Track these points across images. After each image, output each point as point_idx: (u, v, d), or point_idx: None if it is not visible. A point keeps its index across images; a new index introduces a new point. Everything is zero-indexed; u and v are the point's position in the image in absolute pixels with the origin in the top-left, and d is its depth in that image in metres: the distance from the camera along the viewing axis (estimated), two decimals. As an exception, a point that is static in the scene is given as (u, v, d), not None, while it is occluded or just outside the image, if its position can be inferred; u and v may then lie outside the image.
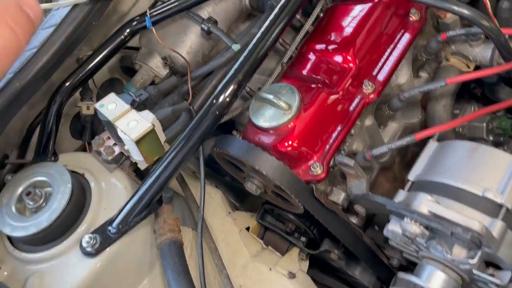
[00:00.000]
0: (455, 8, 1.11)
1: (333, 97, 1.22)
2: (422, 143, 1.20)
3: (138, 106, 1.13)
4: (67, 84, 1.23)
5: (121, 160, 1.15)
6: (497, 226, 0.97)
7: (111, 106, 1.07)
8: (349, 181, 1.18)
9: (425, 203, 1.00)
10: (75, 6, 1.14)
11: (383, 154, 1.18)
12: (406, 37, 1.27)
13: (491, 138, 1.43)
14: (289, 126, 1.16)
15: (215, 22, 1.26)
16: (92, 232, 1.03)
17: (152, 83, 1.34)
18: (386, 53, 1.26)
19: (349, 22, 1.30)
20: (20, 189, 1.06)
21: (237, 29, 1.45)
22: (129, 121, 1.03)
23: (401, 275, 1.09)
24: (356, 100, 1.22)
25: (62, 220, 1.02)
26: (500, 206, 1.00)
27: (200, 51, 1.33)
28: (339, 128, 1.20)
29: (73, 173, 1.11)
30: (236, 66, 1.07)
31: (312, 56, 1.30)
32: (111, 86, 1.56)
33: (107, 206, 1.09)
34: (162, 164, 1.05)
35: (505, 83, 1.37)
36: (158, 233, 1.09)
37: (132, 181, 1.16)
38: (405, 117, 1.42)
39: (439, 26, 1.36)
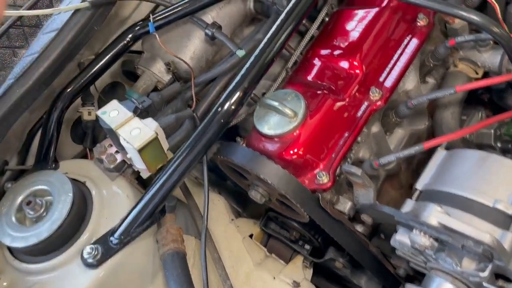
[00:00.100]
0: (464, 14, 1.08)
1: (339, 104, 1.20)
2: (429, 150, 1.18)
3: (141, 113, 1.11)
4: (68, 90, 1.20)
5: (123, 168, 1.13)
6: (508, 238, 0.95)
7: (113, 113, 1.05)
8: (356, 190, 1.16)
9: (435, 215, 0.97)
10: (76, 11, 1.11)
11: (390, 163, 1.16)
12: (414, 42, 1.25)
13: (499, 144, 1.41)
14: (295, 133, 1.14)
15: (220, 27, 1.24)
16: (94, 243, 1.01)
17: (155, 88, 1.32)
18: (394, 59, 1.24)
19: (355, 27, 1.28)
20: (20, 198, 1.04)
21: (241, 33, 1.42)
22: (131, 129, 1.01)
23: (409, 286, 1.07)
24: (363, 107, 1.20)
25: (63, 231, 1.01)
26: (511, 217, 0.98)
27: (204, 56, 1.30)
28: (345, 136, 1.17)
29: (74, 181, 1.09)
30: (242, 72, 1.05)
31: (317, 62, 1.28)
32: (112, 90, 1.53)
33: (109, 215, 1.07)
34: (165, 173, 1.03)
35: (513, 89, 1.36)
36: (160, 243, 1.07)
37: (135, 189, 1.14)
38: (411, 124, 1.39)
39: (447, 31, 1.33)
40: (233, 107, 1.03)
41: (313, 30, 1.33)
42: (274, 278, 1.34)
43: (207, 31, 1.24)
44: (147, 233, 1.07)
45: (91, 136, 1.36)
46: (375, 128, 1.27)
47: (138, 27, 1.23)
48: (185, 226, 1.27)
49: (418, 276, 1.24)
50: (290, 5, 1.09)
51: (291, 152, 1.14)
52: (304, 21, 1.33)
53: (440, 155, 1.15)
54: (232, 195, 1.58)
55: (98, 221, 1.05)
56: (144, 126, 1.02)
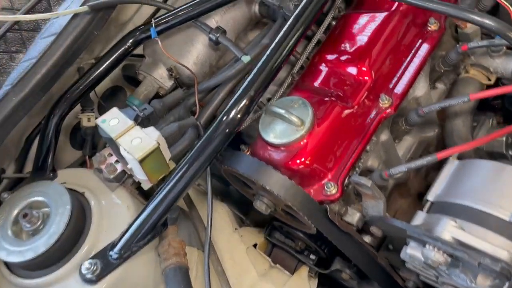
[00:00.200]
0: (478, 18, 1.04)
1: (347, 111, 1.16)
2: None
3: (142, 121, 1.07)
4: (67, 96, 1.16)
5: (124, 178, 1.09)
6: (526, 255, 0.90)
7: (113, 121, 1.01)
8: (365, 201, 1.11)
9: (449, 229, 0.93)
10: (75, 15, 1.07)
11: (400, 173, 1.11)
12: (425, 47, 1.21)
13: (510, 153, 1.36)
14: (302, 142, 1.10)
15: (224, 32, 1.19)
16: (92, 257, 0.98)
17: (157, 94, 1.28)
18: (404, 65, 1.20)
19: (364, 32, 1.24)
20: (16, 211, 1.00)
21: (245, 37, 1.38)
22: (132, 139, 0.97)
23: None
24: (372, 115, 1.15)
25: (61, 245, 0.97)
26: (528, 232, 0.94)
27: (207, 61, 1.26)
28: (354, 145, 1.13)
29: (72, 191, 1.06)
30: (248, 80, 1.00)
31: (324, 67, 1.23)
32: (113, 95, 1.49)
33: (108, 228, 1.03)
34: (168, 185, 0.99)
35: (527, 95, 1.31)
36: (162, 257, 1.03)
37: (135, 200, 1.10)
38: (421, 131, 1.35)
39: (458, 36, 1.29)
40: (239, 115, 0.99)
41: (319, 34, 1.28)
42: (279, 290, 1.30)
43: (211, 35, 1.19)
44: (148, 246, 1.04)
45: (91, 143, 1.32)
46: (384, 136, 1.23)
47: (139, 32, 1.18)
48: (187, 237, 1.23)
49: (428, 289, 1.20)
50: (298, 9, 1.05)
51: (298, 161, 1.10)
52: (310, 25, 1.30)
53: (452, 165, 1.11)
54: (235, 201, 1.54)
55: (97, 234, 1.01)
56: (145, 135, 0.98)
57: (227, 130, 0.99)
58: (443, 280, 1.04)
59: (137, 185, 1.12)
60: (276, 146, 1.12)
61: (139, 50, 1.33)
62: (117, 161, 1.08)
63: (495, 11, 1.36)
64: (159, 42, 1.14)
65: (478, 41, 1.22)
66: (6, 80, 1.12)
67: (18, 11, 1.21)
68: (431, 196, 1.10)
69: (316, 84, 1.23)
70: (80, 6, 1.07)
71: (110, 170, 1.07)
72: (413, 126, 1.25)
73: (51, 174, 1.15)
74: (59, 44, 1.07)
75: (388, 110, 1.15)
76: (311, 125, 1.10)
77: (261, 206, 1.15)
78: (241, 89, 1.00)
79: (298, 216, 1.12)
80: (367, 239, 1.22)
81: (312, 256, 1.40)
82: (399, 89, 1.18)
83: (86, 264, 0.96)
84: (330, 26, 1.33)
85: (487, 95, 1.07)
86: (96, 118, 1.32)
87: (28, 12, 1.17)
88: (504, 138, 1.34)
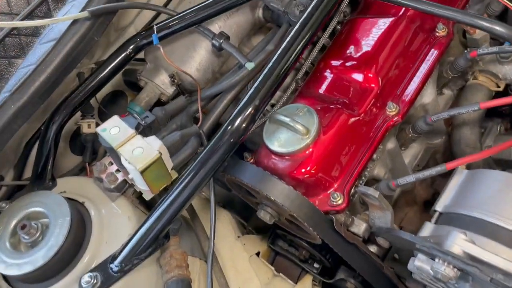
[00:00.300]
0: (487, 25, 1.01)
1: (353, 119, 1.13)
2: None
3: (144, 130, 1.04)
4: (67, 103, 1.13)
5: (125, 188, 1.06)
6: (540, 270, 0.88)
7: (114, 130, 0.98)
8: (372, 212, 1.09)
9: (459, 243, 0.90)
10: (75, 20, 1.05)
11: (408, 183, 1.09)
12: (433, 53, 1.18)
13: (519, 160, 1.34)
14: (307, 152, 1.07)
15: (227, 38, 1.16)
16: (93, 270, 0.95)
17: (158, 101, 1.25)
18: (411, 71, 1.17)
19: (370, 37, 1.21)
20: (14, 222, 0.98)
21: (249, 42, 1.35)
22: (134, 148, 0.94)
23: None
24: (379, 123, 1.13)
25: (60, 257, 0.94)
26: (541, 246, 0.91)
27: (210, 67, 1.23)
28: (360, 153, 1.11)
29: (72, 201, 1.03)
30: (253, 88, 0.97)
31: (330, 74, 1.21)
32: (113, 100, 1.47)
33: (109, 239, 1.00)
34: (170, 196, 0.96)
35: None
36: (164, 269, 1.01)
37: (137, 210, 1.08)
38: (427, 138, 1.33)
39: (467, 42, 1.26)
40: (244, 125, 0.97)
41: (324, 38, 1.25)
42: (283, 300, 1.28)
43: (214, 41, 1.17)
44: (150, 258, 1.01)
45: (91, 149, 1.30)
46: (391, 144, 1.20)
47: (141, 38, 1.15)
48: (190, 247, 1.20)
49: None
50: (305, 15, 1.02)
51: (303, 171, 1.07)
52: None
53: (461, 175, 1.08)
54: (236, 206, 1.51)
55: (97, 246, 0.99)
56: (147, 145, 0.95)
57: (232, 140, 0.96)
58: (452, 292, 1.01)
59: (139, 195, 1.10)
60: (280, 155, 1.09)
61: (140, 54, 1.30)
62: (118, 170, 1.05)
63: (504, 14, 1.33)
64: (161, 49, 1.11)
65: (487, 47, 1.19)
66: (4, 86, 1.09)
67: (16, 16, 1.18)
68: (439, 206, 1.07)
69: (321, 91, 1.20)
70: (80, 11, 1.04)
71: (111, 179, 1.04)
72: (421, 134, 1.22)
73: (51, 183, 1.13)
74: (58, 50, 1.04)
75: (396, 118, 1.12)
76: (316, 133, 1.07)
77: (265, 216, 1.13)
78: (246, 97, 0.97)
79: (303, 226, 1.09)
80: (372, 248, 1.20)
81: (316, 265, 1.38)
82: (406, 96, 1.15)
83: (86, 277, 0.93)
84: (335, 31, 1.30)
85: (498, 104, 1.04)
86: (96, 123, 1.31)
87: (27, 16, 1.15)
88: (512, 146, 1.32)
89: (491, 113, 1.44)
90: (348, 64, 1.19)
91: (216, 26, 1.21)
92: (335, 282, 1.33)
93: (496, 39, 1.29)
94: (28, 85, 1.01)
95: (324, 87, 1.20)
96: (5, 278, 0.98)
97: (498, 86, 1.27)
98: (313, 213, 1.05)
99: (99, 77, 1.13)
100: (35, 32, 1.16)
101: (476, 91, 1.27)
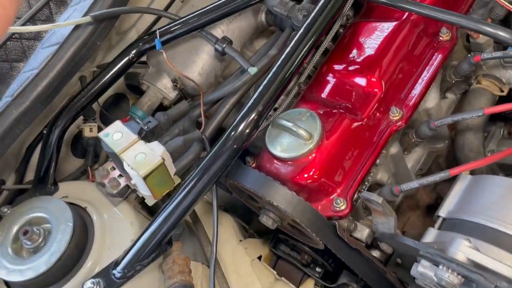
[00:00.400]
0: (491, 30, 1.01)
1: (357, 124, 1.12)
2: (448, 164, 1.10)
3: (146, 135, 1.03)
4: (69, 107, 1.13)
5: (127, 193, 1.06)
6: (544, 278, 0.87)
7: (116, 135, 0.97)
8: (375, 217, 1.08)
9: (463, 250, 0.90)
10: (78, 25, 1.04)
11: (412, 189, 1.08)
12: (437, 58, 1.17)
13: (522, 165, 1.33)
14: (310, 157, 1.07)
15: (230, 42, 1.16)
16: (95, 276, 0.95)
17: (160, 105, 1.24)
18: (415, 76, 1.16)
19: (374, 41, 1.20)
20: (16, 228, 0.97)
21: (252, 46, 1.35)
22: (136, 154, 0.94)
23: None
24: (382, 127, 1.12)
25: (62, 263, 0.94)
26: (547, 253, 0.91)
27: (212, 72, 1.23)
28: (363, 159, 1.10)
29: (74, 206, 1.03)
30: (257, 93, 0.97)
31: (333, 78, 1.20)
32: (115, 103, 1.46)
33: (111, 245, 1.00)
34: (173, 202, 0.95)
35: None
36: (167, 275, 1.00)
37: (139, 215, 1.07)
38: (430, 142, 1.32)
39: (470, 46, 1.26)
40: (247, 130, 0.96)
41: (327, 42, 1.25)
42: (285, 304, 1.27)
43: (217, 46, 1.16)
44: (152, 263, 1.01)
45: (93, 153, 1.30)
46: (394, 149, 1.19)
47: (143, 42, 1.15)
48: (192, 251, 1.20)
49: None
50: (309, 20, 1.01)
51: (306, 176, 1.07)
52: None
53: (464, 180, 1.07)
54: (238, 209, 1.51)
55: (99, 252, 0.99)
56: (150, 150, 0.95)
57: (235, 146, 0.96)
58: (456, 299, 1.01)
59: (141, 200, 1.10)
60: (283, 160, 1.09)
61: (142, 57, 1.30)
62: (120, 175, 1.05)
63: (508, 18, 1.33)
64: (164, 54, 1.11)
65: (491, 51, 1.18)
66: (6, 91, 1.09)
67: (18, 20, 1.18)
68: (442, 212, 1.06)
69: (324, 95, 1.19)
70: (83, 16, 1.04)
71: (113, 184, 1.04)
72: (424, 139, 1.22)
73: (53, 187, 1.12)
74: (61, 55, 1.04)
75: (399, 123, 1.12)
76: (319, 138, 1.07)
77: (268, 221, 1.12)
78: (249, 103, 0.97)
79: (305, 232, 1.09)
80: (375, 253, 1.19)
81: (318, 269, 1.37)
82: (410, 101, 1.14)
83: (89, 284, 0.93)
84: (338, 34, 1.30)
85: (503, 110, 1.03)
86: (98, 127, 1.30)
87: (29, 20, 1.15)
88: (515, 150, 1.31)
89: (494, 117, 1.43)
90: (351, 68, 1.19)
91: (219, 30, 1.20)
92: (337, 286, 1.33)
93: (499, 43, 1.29)
94: (31, 90, 1.01)
95: (326, 91, 1.19)
96: (7, 284, 0.98)
97: (502, 91, 1.26)
98: (316, 218, 1.04)
99: (102, 81, 1.13)
100: (37, 36, 1.16)
101: (479, 95, 1.26)
